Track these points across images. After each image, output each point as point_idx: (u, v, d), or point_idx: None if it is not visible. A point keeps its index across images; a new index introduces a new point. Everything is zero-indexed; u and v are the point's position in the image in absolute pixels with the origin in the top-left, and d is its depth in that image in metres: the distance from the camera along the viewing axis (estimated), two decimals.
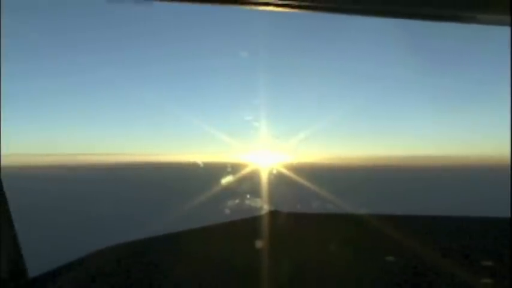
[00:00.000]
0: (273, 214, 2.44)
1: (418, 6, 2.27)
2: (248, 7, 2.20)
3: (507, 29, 2.09)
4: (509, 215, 2.58)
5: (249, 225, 2.41)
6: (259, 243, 2.23)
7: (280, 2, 2.15)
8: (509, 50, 2.30)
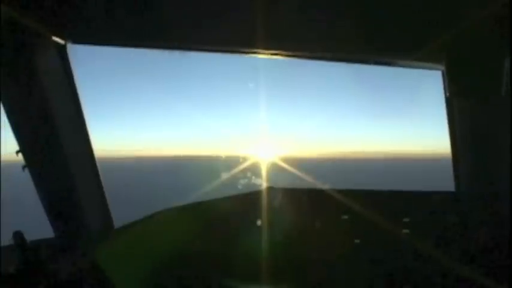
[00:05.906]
0: (270, 189, 2.60)
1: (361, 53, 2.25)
2: (253, 56, 2.31)
3: None
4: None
5: (253, 195, 2.61)
6: (260, 206, 2.45)
7: (276, 52, 2.28)
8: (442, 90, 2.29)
